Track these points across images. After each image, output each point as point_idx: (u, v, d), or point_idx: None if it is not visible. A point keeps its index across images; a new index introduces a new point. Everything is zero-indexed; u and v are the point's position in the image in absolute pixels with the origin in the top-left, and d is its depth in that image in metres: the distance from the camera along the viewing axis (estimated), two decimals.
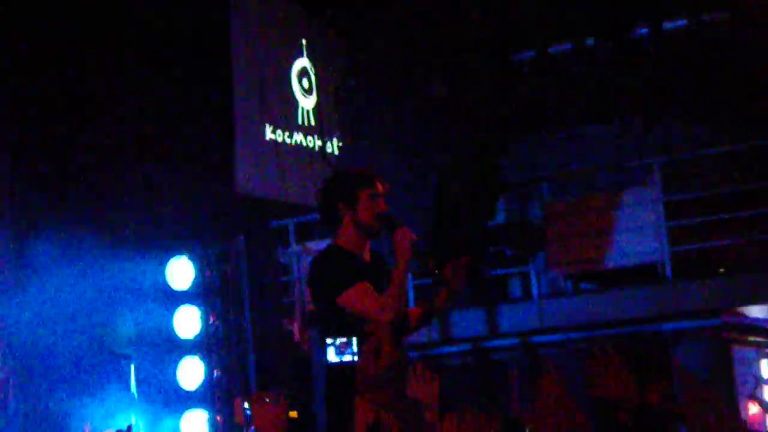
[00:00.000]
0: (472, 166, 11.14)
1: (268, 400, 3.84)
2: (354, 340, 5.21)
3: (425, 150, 11.27)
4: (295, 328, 12.03)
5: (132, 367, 10.39)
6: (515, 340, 11.94)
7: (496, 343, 12.01)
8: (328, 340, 5.25)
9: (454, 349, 12.00)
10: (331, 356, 5.25)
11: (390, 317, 5.23)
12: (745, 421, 10.91)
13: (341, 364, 5.15)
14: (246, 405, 9.73)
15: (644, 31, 13.45)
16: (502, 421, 3.88)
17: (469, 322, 11.77)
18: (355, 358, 5.01)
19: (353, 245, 5.50)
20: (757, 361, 11.95)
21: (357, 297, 5.31)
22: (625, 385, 3.90)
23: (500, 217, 12.74)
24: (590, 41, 13.82)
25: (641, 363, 4.04)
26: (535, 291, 11.98)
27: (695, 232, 11.81)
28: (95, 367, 9.86)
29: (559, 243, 12.10)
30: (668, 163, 11.90)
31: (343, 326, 5.34)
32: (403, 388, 3.85)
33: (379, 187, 5.51)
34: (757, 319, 11.96)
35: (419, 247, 5.39)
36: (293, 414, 11.23)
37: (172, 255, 10.28)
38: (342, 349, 5.21)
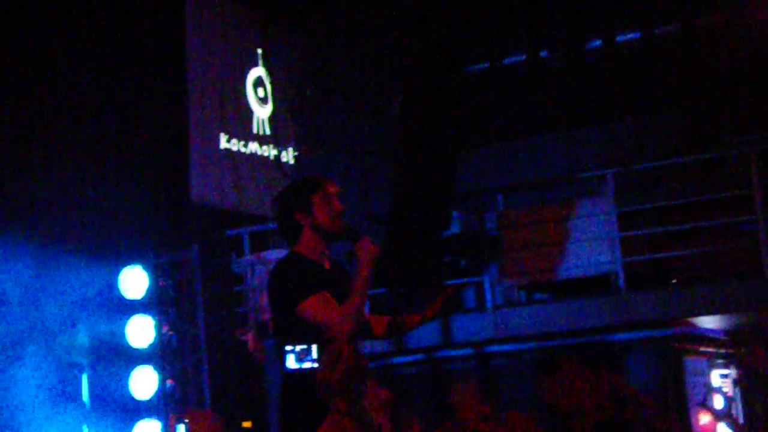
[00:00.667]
0: (427, 176, 11.15)
1: (205, 420, 3.83)
2: (314, 347, 5.20)
3: (381, 160, 11.28)
4: (250, 338, 11.99)
5: (84, 376, 10.30)
6: (469, 351, 11.97)
7: (450, 353, 12.03)
8: (288, 347, 5.24)
9: (408, 359, 12.01)
10: (291, 363, 5.23)
11: (349, 329, 5.21)
12: (696, 430, 11.01)
13: (301, 371, 5.15)
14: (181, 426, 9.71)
15: (597, 43, 13.58)
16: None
17: (423, 331, 11.75)
18: (315, 365, 5.01)
19: (313, 253, 5.49)
20: (708, 371, 12.05)
21: (316, 307, 5.28)
22: (579, 394, 3.93)
23: (455, 228, 12.77)
24: (544, 53, 13.93)
25: (595, 373, 4.06)
26: (489, 301, 12.01)
27: (648, 243, 11.90)
28: (47, 376, 9.76)
29: (513, 253, 12.15)
30: (621, 174, 11.98)
31: (302, 334, 5.32)
32: (362, 394, 3.86)
33: (331, 188, 5.50)
34: (708, 330, 12.06)
35: (379, 257, 5.40)
36: (247, 424, 11.20)
37: (126, 264, 10.20)
38: (302, 357, 5.20)
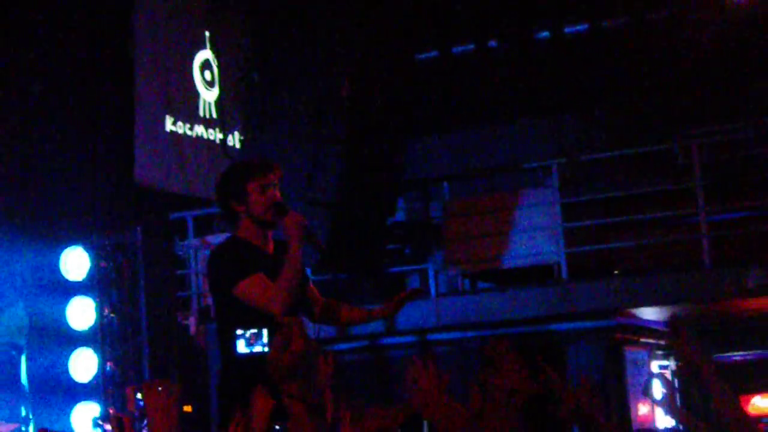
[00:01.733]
0: (373, 163, 11.15)
1: (160, 389, 3.77)
2: (264, 331, 5.18)
3: (327, 146, 11.25)
4: (191, 322, 11.93)
5: (23, 358, 10.21)
6: (412, 338, 11.99)
7: (393, 340, 12.04)
8: (238, 332, 5.22)
9: (351, 345, 12.00)
10: (241, 348, 5.20)
11: (281, 308, 5.22)
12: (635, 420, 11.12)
13: (251, 356, 5.11)
14: (138, 395, 9.59)
15: (545, 34, 13.62)
16: (403, 416, 3.89)
17: None
18: (266, 350, 4.96)
19: (253, 237, 5.48)
20: (648, 362, 12.16)
21: (250, 288, 5.29)
22: (518, 383, 3.94)
23: (400, 215, 12.77)
24: (492, 43, 13.94)
25: (536, 362, 4.06)
26: (432, 289, 12.03)
27: (591, 234, 11.97)
28: None
29: (457, 242, 12.18)
30: (566, 164, 12.04)
31: (241, 316, 5.30)
32: (313, 378, 3.83)
33: (269, 176, 5.48)
34: (650, 321, 12.17)
35: (310, 230, 5.37)
36: (187, 408, 11.14)
37: (67, 245, 10.12)
38: (252, 341, 5.17)
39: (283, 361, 3.70)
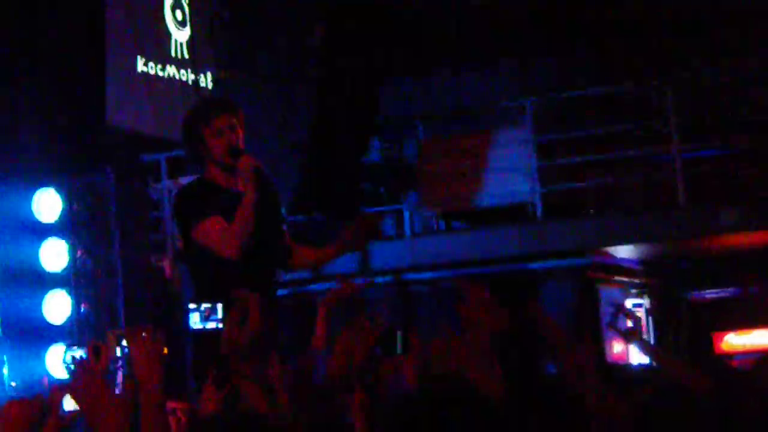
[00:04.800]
0: (347, 103, 11.11)
1: (144, 334, 3.73)
2: (219, 306, 5.06)
3: (300, 86, 11.18)
4: (166, 264, 11.89)
5: None
6: (387, 278, 12.00)
7: (368, 280, 12.04)
8: (192, 305, 5.07)
9: (325, 285, 12.00)
10: (195, 322, 5.04)
11: (234, 252, 5.16)
12: (609, 358, 11.19)
13: (205, 331, 4.96)
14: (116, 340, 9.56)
15: None
16: (378, 331, 3.86)
17: (340, 259, 11.72)
18: (220, 326, 4.81)
19: (219, 178, 5.42)
20: (622, 300, 12.22)
21: (206, 231, 5.24)
22: (492, 316, 3.93)
23: (375, 156, 12.74)
24: None
25: (510, 299, 4.04)
26: (407, 229, 12.04)
27: (565, 173, 11.99)
28: None
29: (432, 182, 12.17)
30: (540, 103, 12.02)
31: (203, 258, 5.26)
32: (269, 357, 3.75)
33: (222, 119, 5.37)
34: (624, 260, 12.23)
35: (262, 172, 5.29)
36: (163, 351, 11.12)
37: (39, 186, 10.02)
38: (207, 315, 5.02)
39: (238, 340, 3.62)
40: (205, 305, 4.92)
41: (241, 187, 5.39)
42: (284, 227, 5.78)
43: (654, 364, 5.25)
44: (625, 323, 5.10)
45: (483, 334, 3.79)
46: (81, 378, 3.56)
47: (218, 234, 5.23)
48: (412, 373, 4.00)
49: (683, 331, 12.55)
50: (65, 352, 9.38)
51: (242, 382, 3.67)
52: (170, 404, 4.25)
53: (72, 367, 3.64)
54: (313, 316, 4.30)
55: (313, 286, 11.83)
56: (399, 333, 3.89)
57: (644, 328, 11.50)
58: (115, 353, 8.97)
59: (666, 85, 11.52)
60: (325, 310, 4.28)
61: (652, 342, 11.58)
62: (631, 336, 5.13)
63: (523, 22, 13.40)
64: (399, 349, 3.90)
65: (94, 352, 3.83)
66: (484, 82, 13.76)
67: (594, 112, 12.36)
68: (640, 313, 12.12)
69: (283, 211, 6.32)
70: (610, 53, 13.49)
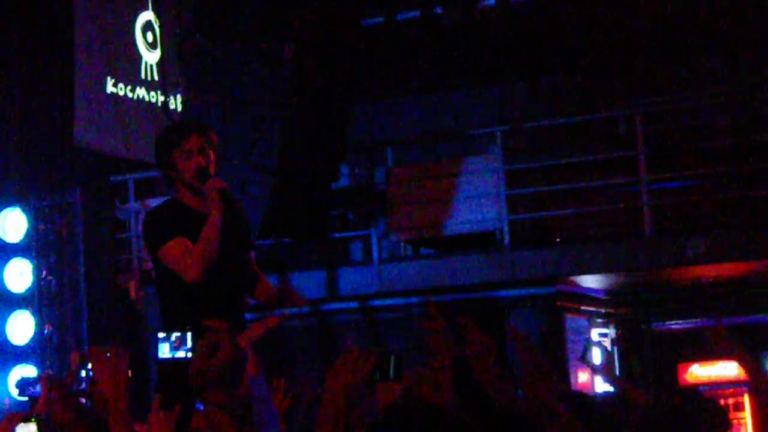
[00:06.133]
0: (317, 127, 11.08)
1: (109, 355, 3.69)
2: (189, 335, 4.99)
3: (270, 109, 11.16)
4: (132, 285, 11.83)
5: None
6: (354, 304, 11.98)
7: (336, 306, 12.03)
8: (161, 335, 5.00)
9: (293, 311, 11.95)
10: (165, 352, 4.97)
11: (195, 273, 5.13)
12: (574, 387, 11.19)
13: (174, 361, 4.88)
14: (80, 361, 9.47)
15: (491, 1, 13.59)
16: (377, 355, 3.83)
17: (309, 284, 11.75)
18: (189, 355, 4.74)
19: (191, 201, 5.41)
20: (588, 329, 12.26)
21: (170, 252, 5.21)
22: (445, 342, 3.92)
23: (344, 181, 12.74)
24: (438, 9, 13.90)
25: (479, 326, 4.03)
26: (375, 255, 12.03)
27: (534, 201, 12.02)
28: None
29: (400, 208, 12.16)
30: (510, 132, 12.05)
31: (171, 280, 5.23)
32: (239, 386, 3.72)
33: (191, 142, 5.36)
34: (590, 289, 12.26)
35: (228, 194, 5.28)
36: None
37: (5, 206, 9.98)
38: (177, 345, 4.95)
39: (207, 370, 3.58)
40: (175, 335, 4.85)
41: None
42: (252, 254, 5.75)
43: (619, 394, 5.27)
44: (594, 357, 5.12)
45: (444, 359, 3.79)
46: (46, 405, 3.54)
47: (182, 255, 5.20)
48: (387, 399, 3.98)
49: (647, 362, 12.59)
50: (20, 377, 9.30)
51: (211, 409, 3.63)
52: (137, 427, 4.20)
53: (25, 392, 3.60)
54: (330, 336, 4.31)
55: (330, 305, 11.84)
56: (392, 357, 3.87)
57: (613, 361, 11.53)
58: (79, 374, 8.89)
59: (634, 114, 11.56)
60: (248, 342, 4.20)
61: (618, 370, 11.62)
62: (602, 372, 5.15)
63: (494, 50, 13.46)
64: (392, 374, 3.89)
65: (48, 384, 3.79)
66: (455, 108, 13.80)
67: (562, 140, 12.41)
68: (606, 342, 12.15)
69: (252, 237, 6.28)
70: (580, 82, 13.57)
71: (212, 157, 5.39)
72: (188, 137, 5.37)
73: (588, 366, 5.25)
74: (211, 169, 5.37)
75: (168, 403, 4.17)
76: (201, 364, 3.62)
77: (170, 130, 5.67)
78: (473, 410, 3.70)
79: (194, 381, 3.59)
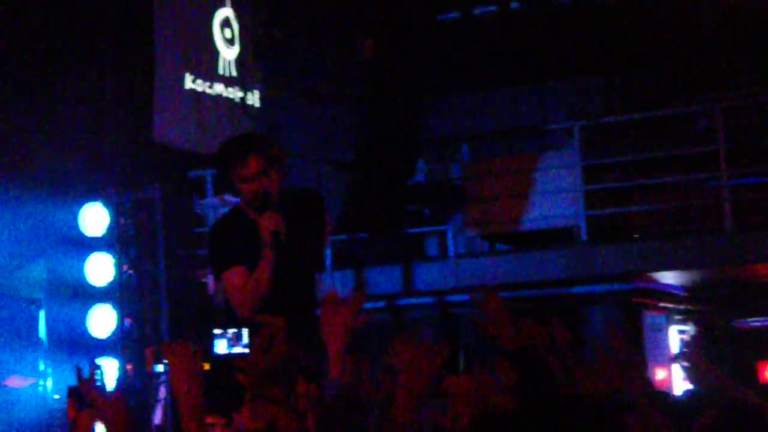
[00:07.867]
0: (394, 123, 11.11)
1: (182, 350, 3.73)
2: (245, 331, 4.99)
3: (347, 105, 11.20)
4: (210, 280, 11.93)
5: (42, 313, 10.23)
6: (430, 299, 11.97)
7: (411, 301, 12.03)
8: (217, 331, 5.04)
9: (369, 306, 11.99)
10: (221, 348, 4.98)
11: (245, 312, 5.14)
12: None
13: (230, 357, 4.90)
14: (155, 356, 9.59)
15: None
16: (449, 349, 3.83)
17: (384, 279, 11.77)
18: (246, 351, 4.74)
19: (252, 211, 5.40)
20: (667, 326, 12.13)
21: (228, 283, 5.25)
22: (507, 333, 3.89)
23: (420, 176, 12.73)
24: (515, 5, 13.86)
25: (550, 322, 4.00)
26: (451, 250, 12.00)
27: (612, 197, 11.91)
28: (2, 311, 9.70)
29: (477, 203, 12.13)
30: (588, 127, 11.96)
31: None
32: (294, 382, 3.73)
33: (252, 165, 5.23)
34: (668, 286, 12.12)
35: (279, 234, 5.19)
36: (205, 366, 11.15)
37: (87, 201, 10.11)
38: (233, 342, 4.96)
39: (262, 365, 3.60)
40: (231, 331, 4.88)
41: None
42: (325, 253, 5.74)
43: (704, 390, 5.17)
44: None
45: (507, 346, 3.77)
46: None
47: (236, 290, 5.21)
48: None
49: (726, 360, 12.43)
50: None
51: (269, 405, 3.66)
52: (209, 419, 4.24)
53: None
54: (402, 330, 4.29)
55: (405, 301, 11.85)
56: (462, 352, 3.88)
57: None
58: (153, 369, 9.00)
59: (715, 107, 11.41)
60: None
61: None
62: (695, 369, 5.07)
63: (571, 44, 13.38)
64: (462, 369, 3.89)
65: (75, 398, 3.84)
66: (531, 103, 13.72)
67: (641, 135, 12.28)
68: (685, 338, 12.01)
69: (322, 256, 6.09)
70: (659, 76, 13.43)
71: (274, 176, 5.30)
72: (246, 163, 5.27)
73: (683, 365, 5.14)
74: (274, 189, 5.29)
75: (223, 399, 4.20)
76: (256, 359, 3.64)
77: (228, 150, 5.45)
78: (537, 401, 3.67)
79: (249, 377, 3.62)
